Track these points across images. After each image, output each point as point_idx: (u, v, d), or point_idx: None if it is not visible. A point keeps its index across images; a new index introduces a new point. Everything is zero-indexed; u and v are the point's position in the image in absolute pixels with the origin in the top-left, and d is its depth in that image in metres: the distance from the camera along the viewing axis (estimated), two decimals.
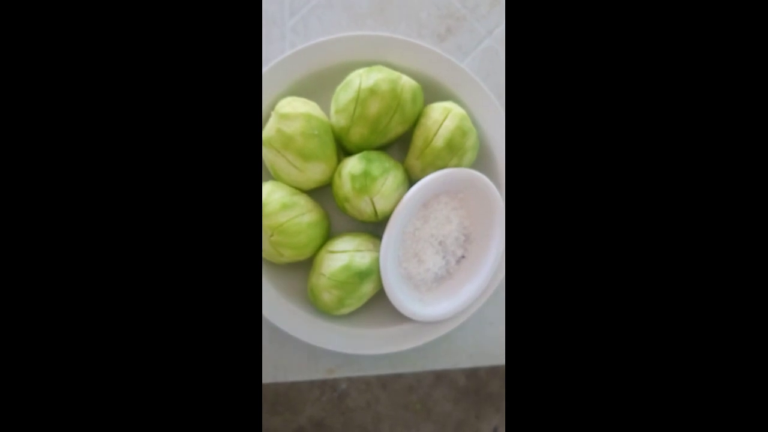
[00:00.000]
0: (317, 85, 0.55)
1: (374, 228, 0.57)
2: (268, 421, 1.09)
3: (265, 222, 0.49)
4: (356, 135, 0.51)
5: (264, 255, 0.52)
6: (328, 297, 0.51)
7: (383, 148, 0.55)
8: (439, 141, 0.51)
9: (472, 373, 1.11)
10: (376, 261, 0.52)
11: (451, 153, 0.52)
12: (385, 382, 0.56)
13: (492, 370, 1.11)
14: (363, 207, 0.51)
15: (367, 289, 0.52)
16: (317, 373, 0.59)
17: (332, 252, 0.52)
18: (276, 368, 0.58)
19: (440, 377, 1.10)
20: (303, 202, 0.51)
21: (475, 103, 0.55)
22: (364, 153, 0.51)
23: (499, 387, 1.13)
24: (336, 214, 0.57)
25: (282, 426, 1.09)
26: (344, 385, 1.08)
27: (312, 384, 1.10)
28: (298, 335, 0.53)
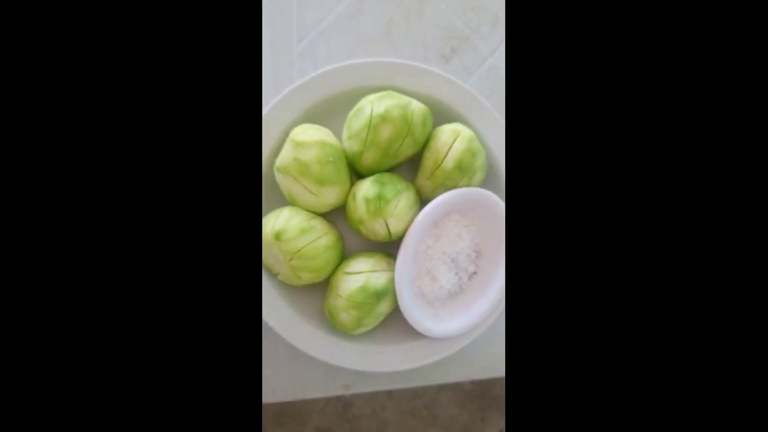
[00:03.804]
0: (329, 111, 0.56)
1: (387, 247, 0.58)
2: None
3: (285, 247, 0.50)
4: (369, 159, 0.52)
5: (283, 279, 0.53)
6: (346, 317, 0.52)
7: (393, 169, 0.56)
8: (449, 163, 0.52)
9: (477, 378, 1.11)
10: (391, 280, 0.53)
11: (461, 174, 0.53)
12: (390, 389, 0.58)
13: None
14: (377, 229, 0.52)
15: (384, 308, 0.53)
16: (334, 389, 0.60)
17: (348, 273, 0.53)
18: (294, 386, 0.59)
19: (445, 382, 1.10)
20: (319, 225, 0.52)
21: (482, 124, 0.56)
22: (377, 176, 0.52)
23: (504, 390, 1.12)
24: (349, 235, 0.58)
25: None
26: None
27: None
28: (316, 354, 0.54)
